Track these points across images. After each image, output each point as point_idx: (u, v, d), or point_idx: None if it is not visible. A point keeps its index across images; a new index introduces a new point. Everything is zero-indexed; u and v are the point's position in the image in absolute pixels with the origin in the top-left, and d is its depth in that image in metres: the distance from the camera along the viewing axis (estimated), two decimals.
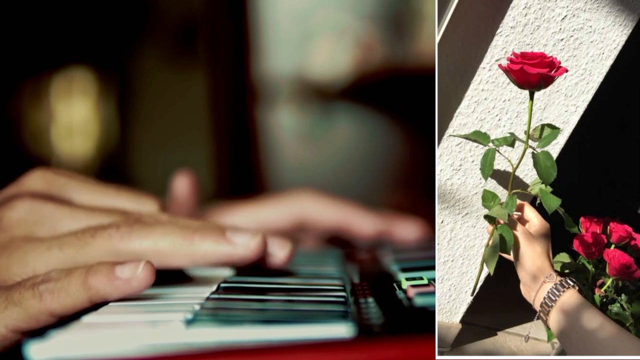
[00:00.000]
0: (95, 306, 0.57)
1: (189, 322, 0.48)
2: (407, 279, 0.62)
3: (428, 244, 0.91)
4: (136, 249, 0.61)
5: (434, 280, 0.63)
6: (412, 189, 2.23)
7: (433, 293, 0.56)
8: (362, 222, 0.91)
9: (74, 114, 2.69)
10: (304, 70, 2.26)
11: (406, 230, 0.92)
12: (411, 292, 0.57)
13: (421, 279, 0.62)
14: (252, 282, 0.65)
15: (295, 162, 2.28)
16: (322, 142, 2.28)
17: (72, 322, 0.50)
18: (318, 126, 2.29)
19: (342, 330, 0.46)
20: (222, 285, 0.63)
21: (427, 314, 0.51)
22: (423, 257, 0.78)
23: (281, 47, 2.27)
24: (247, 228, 0.66)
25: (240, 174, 2.30)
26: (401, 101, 2.18)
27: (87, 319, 0.52)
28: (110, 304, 0.58)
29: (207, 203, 0.93)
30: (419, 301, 0.54)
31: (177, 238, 0.62)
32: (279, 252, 0.68)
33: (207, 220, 0.68)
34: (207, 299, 0.58)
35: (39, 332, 0.52)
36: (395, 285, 0.63)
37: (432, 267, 0.69)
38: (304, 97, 2.27)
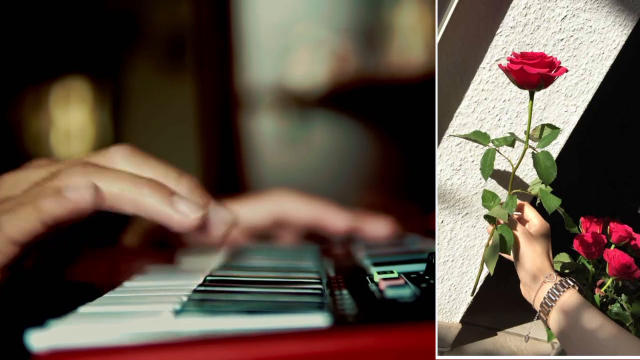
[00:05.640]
0: (89, 295, 0.57)
1: (178, 313, 0.48)
2: (378, 273, 0.62)
3: (397, 240, 0.91)
4: None
5: (404, 273, 0.63)
6: (384, 188, 2.23)
7: (403, 285, 0.56)
8: (335, 218, 0.90)
9: (71, 120, 2.68)
10: (283, 80, 2.26)
11: (376, 227, 0.92)
12: (382, 285, 0.57)
13: (392, 272, 0.62)
14: (235, 276, 0.65)
15: (276, 165, 2.28)
16: (300, 146, 2.29)
17: (69, 313, 0.50)
18: (297, 131, 2.29)
19: (318, 320, 0.46)
20: (208, 278, 0.63)
21: (398, 305, 0.51)
22: (393, 252, 0.78)
23: (263, 58, 2.28)
24: (196, 200, 0.64)
25: (225, 175, 2.30)
26: (374, 108, 2.18)
27: (83, 309, 0.52)
28: (105, 295, 0.58)
29: None
30: (390, 293, 0.54)
31: (127, 184, 0.61)
32: (219, 227, 0.67)
33: (175, 174, 0.66)
34: (194, 291, 0.58)
35: (39, 322, 0.52)
36: (367, 278, 0.63)
37: (402, 262, 0.69)
38: (283, 105, 2.27)
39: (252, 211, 0.91)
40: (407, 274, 0.63)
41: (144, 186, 0.61)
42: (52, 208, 0.57)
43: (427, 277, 0.62)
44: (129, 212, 0.62)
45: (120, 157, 0.65)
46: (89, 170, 0.61)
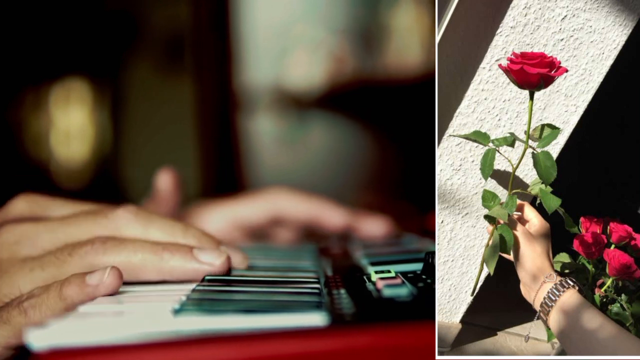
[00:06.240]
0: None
1: (177, 312, 0.48)
2: (376, 272, 0.62)
3: (394, 239, 0.91)
4: (109, 263, 0.60)
5: (401, 273, 0.63)
6: (382, 189, 2.23)
7: (400, 285, 0.56)
8: (332, 216, 0.91)
9: (71, 121, 2.68)
10: (282, 81, 2.26)
11: (373, 226, 0.92)
12: (380, 284, 0.57)
13: (389, 272, 0.62)
14: (234, 275, 0.65)
15: (274, 165, 2.28)
16: (298, 146, 2.29)
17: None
18: (294, 132, 2.29)
19: (316, 319, 0.46)
20: (207, 277, 0.63)
21: (396, 304, 0.51)
22: (391, 252, 0.78)
23: (261, 59, 2.27)
24: (212, 246, 0.66)
25: (224, 175, 2.29)
26: (372, 109, 2.18)
27: (83, 308, 0.52)
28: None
29: (189, 201, 0.93)
30: (387, 292, 0.54)
31: (147, 254, 0.62)
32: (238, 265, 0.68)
33: (181, 228, 0.67)
34: (193, 290, 0.58)
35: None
36: (365, 277, 0.63)
37: (399, 262, 0.70)
38: (281, 105, 2.27)
39: (249, 210, 0.91)
40: (404, 274, 0.63)
41: (164, 251, 0.62)
42: (75, 296, 0.57)
43: (424, 276, 0.62)
44: (155, 280, 0.63)
45: (124, 222, 0.66)
46: (107, 246, 0.62)
